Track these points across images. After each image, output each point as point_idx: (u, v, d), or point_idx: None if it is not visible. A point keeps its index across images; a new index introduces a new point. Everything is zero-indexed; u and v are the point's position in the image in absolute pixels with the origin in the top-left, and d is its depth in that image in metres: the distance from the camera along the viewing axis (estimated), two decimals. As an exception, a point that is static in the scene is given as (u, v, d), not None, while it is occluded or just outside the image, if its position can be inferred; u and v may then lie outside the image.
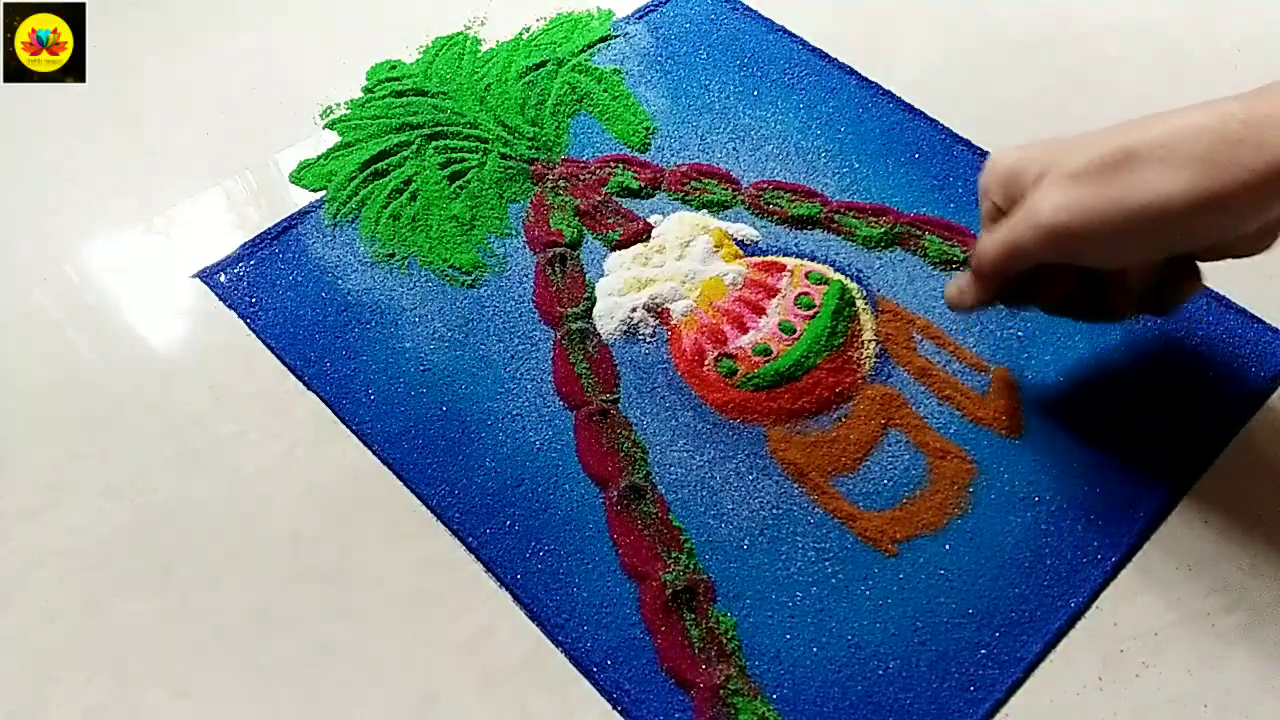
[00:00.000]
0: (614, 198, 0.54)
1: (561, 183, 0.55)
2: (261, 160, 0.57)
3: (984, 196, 0.42)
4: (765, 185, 0.54)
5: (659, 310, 0.50)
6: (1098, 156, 0.37)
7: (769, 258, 0.51)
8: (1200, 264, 0.42)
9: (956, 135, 0.56)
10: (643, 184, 0.55)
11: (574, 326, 0.49)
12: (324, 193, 0.55)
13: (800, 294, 0.49)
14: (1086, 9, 0.63)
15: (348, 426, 0.47)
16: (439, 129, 0.58)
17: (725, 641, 0.40)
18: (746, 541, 0.43)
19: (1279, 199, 0.35)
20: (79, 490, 0.46)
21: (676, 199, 0.54)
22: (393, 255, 0.53)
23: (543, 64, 0.61)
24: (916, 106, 0.58)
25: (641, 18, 0.63)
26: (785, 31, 0.62)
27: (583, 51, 0.61)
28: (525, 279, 0.52)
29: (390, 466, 0.46)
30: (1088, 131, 0.38)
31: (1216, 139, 0.34)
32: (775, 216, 0.53)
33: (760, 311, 0.49)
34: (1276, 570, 0.42)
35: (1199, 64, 0.59)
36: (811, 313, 0.48)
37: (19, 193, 0.57)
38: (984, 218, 0.43)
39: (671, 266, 0.51)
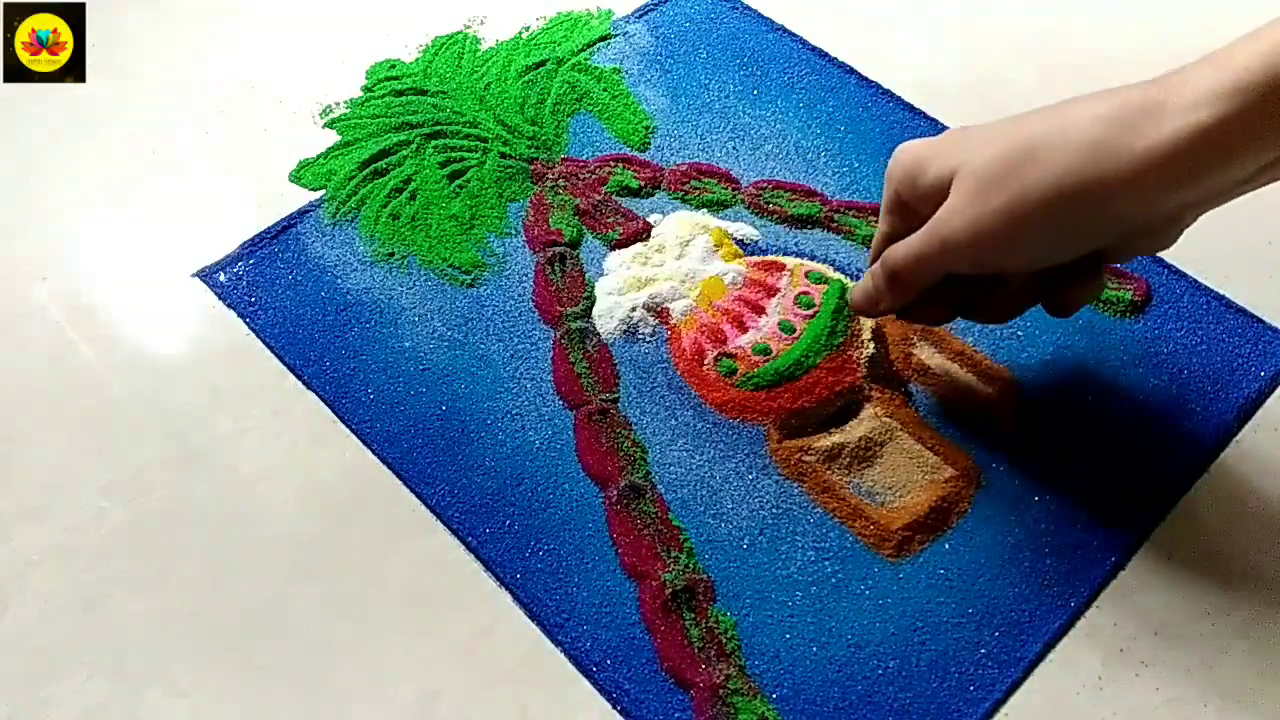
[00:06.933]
0: (613, 197, 0.54)
1: (561, 182, 0.55)
2: (261, 159, 0.57)
3: (888, 184, 0.40)
4: (765, 184, 0.54)
5: (658, 309, 0.50)
6: (1001, 154, 0.35)
7: (769, 257, 0.51)
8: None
9: (956, 134, 0.56)
10: (642, 183, 0.55)
11: (573, 326, 0.49)
12: (323, 192, 0.55)
13: (800, 293, 0.49)
14: (1086, 9, 0.62)
15: (347, 426, 0.47)
16: (438, 128, 0.57)
17: (725, 641, 0.40)
18: (746, 541, 0.43)
19: (1166, 187, 0.33)
20: (79, 490, 0.46)
21: (676, 198, 0.54)
22: (392, 254, 0.53)
23: (542, 63, 0.61)
24: (916, 106, 0.57)
25: (641, 17, 0.63)
26: (785, 31, 0.62)
27: (582, 50, 0.61)
28: (525, 278, 0.52)
29: (390, 466, 0.46)
30: (999, 121, 0.37)
31: (1109, 125, 0.33)
32: (775, 216, 0.53)
33: (760, 311, 0.49)
34: (1276, 570, 0.42)
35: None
36: (811, 312, 0.48)
37: (19, 193, 0.57)
38: (884, 207, 0.42)
39: (671, 266, 0.51)
